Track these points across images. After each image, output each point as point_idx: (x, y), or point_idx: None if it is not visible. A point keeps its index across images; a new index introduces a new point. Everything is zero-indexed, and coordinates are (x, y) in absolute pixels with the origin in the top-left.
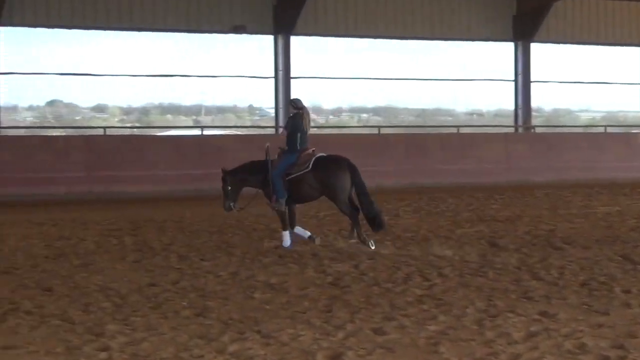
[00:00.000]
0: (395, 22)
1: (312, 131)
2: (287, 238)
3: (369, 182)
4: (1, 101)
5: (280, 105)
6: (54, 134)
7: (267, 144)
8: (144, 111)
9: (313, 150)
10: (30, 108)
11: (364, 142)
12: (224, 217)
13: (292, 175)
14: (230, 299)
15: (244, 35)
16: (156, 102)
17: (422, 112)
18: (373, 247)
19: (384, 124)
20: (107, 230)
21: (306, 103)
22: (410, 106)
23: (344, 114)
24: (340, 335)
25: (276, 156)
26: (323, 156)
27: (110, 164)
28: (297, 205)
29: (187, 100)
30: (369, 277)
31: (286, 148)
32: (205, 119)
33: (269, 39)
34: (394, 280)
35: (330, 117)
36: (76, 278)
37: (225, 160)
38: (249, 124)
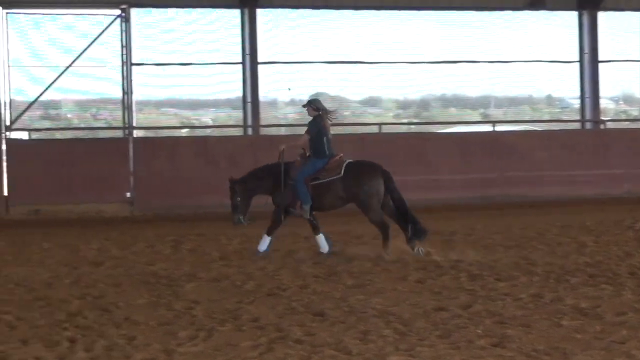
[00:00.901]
0: None
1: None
2: (266, 242)
3: None
4: (260, 95)
5: (587, 94)
6: None
7: (282, 147)
8: (423, 104)
9: (341, 157)
10: (292, 102)
11: None
12: (522, 229)
13: (320, 181)
14: (533, 327)
15: (542, 12)
16: (437, 93)
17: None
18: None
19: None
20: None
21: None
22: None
23: None
24: None
25: (297, 160)
26: (354, 162)
27: (385, 166)
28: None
29: (473, 91)
30: None
31: (308, 153)
32: (496, 113)
33: (572, 16)
34: None
35: None
36: (351, 301)
37: (521, 161)
38: (547, 117)
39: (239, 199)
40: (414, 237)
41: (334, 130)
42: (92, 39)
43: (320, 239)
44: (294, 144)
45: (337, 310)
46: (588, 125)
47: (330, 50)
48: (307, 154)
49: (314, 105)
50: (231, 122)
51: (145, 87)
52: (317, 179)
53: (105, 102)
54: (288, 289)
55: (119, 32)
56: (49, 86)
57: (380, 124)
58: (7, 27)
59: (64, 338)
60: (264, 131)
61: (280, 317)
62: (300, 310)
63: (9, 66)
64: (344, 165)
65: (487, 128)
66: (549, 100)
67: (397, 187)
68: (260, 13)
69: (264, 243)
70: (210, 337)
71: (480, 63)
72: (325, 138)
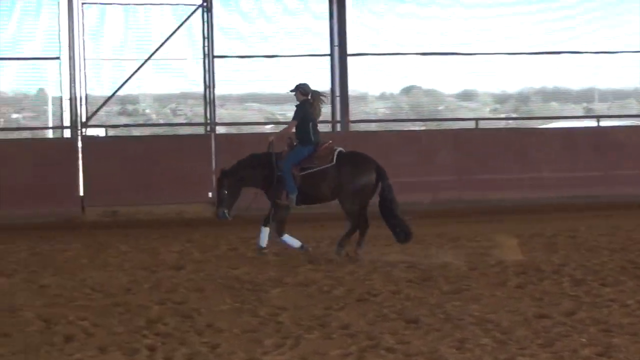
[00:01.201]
0: None
1: None
2: (265, 236)
3: None
4: (350, 90)
5: None
6: (413, 129)
7: (271, 138)
8: (522, 98)
9: (330, 143)
10: (383, 97)
11: None
12: (629, 232)
13: (310, 170)
14: None
15: None
16: (537, 86)
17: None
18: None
19: None
20: (482, 248)
21: None
22: None
23: None
24: None
25: (284, 149)
26: (347, 152)
27: (483, 164)
28: None
29: (576, 84)
30: None
31: (296, 141)
32: (600, 107)
33: None
34: None
35: None
36: (447, 307)
37: (629, 159)
38: None
39: (225, 192)
40: (404, 239)
41: (427, 126)
42: (172, 31)
43: (264, 232)
44: (283, 132)
45: (432, 317)
46: None
47: (423, 41)
48: (295, 143)
49: (302, 89)
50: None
51: (228, 81)
52: (307, 168)
53: (185, 96)
54: (379, 295)
55: (201, 23)
56: (126, 81)
57: (476, 119)
58: (82, 19)
59: (144, 346)
60: (354, 127)
61: (371, 324)
62: (392, 317)
63: (84, 59)
64: (336, 153)
65: (590, 123)
66: None
67: (391, 185)
68: (350, 2)
69: (264, 236)
70: (297, 346)
71: (584, 54)
72: (311, 124)
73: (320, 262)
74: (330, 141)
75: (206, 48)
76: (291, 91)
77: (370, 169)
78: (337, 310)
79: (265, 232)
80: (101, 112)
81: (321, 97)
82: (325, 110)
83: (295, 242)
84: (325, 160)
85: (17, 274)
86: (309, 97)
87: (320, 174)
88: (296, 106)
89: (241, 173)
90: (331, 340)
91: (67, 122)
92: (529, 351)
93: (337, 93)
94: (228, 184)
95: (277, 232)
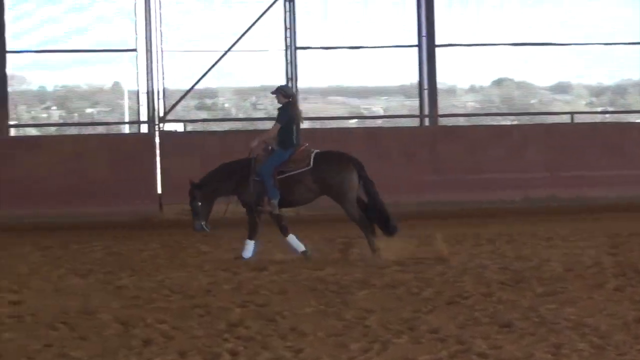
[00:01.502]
0: None
1: None
2: (250, 248)
3: None
4: (438, 82)
5: None
6: (504, 123)
7: (254, 143)
8: (620, 90)
9: (306, 146)
10: (472, 89)
11: None
12: None
13: (287, 174)
14: None
15: None
16: (635, 78)
17: None
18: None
19: None
20: (578, 247)
21: None
22: None
23: None
24: None
25: (260, 154)
26: (322, 152)
27: (578, 161)
28: None
29: None
30: None
31: (275, 145)
32: None
33: None
34: None
35: None
36: (541, 310)
37: None
38: None
39: (199, 204)
40: (390, 232)
41: (519, 120)
42: (253, 21)
43: (292, 239)
44: (266, 136)
45: (525, 321)
46: None
47: (514, 31)
48: (270, 148)
49: (283, 91)
50: (405, 112)
51: (310, 73)
52: (283, 172)
53: (266, 90)
54: (470, 297)
55: (282, 13)
56: (205, 74)
57: (572, 113)
58: (160, 10)
59: (225, 350)
60: (442, 121)
61: (461, 328)
62: (484, 321)
63: (162, 51)
64: (312, 155)
65: None
66: None
67: (370, 178)
68: None
69: (248, 249)
70: (385, 350)
71: None
72: (294, 127)
73: (407, 262)
74: (307, 144)
75: (288, 39)
76: (272, 93)
77: (348, 165)
78: (426, 313)
79: (251, 245)
80: (178, 107)
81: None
82: (413, 104)
83: (250, 250)
84: (302, 164)
85: (93, 275)
86: (291, 99)
87: (298, 177)
88: (279, 109)
89: (214, 185)
90: (420, 345)
91: (143, 116)
92: (629, 357)
93: (425, 86)
94: (201, 196)
95: (249, 236)
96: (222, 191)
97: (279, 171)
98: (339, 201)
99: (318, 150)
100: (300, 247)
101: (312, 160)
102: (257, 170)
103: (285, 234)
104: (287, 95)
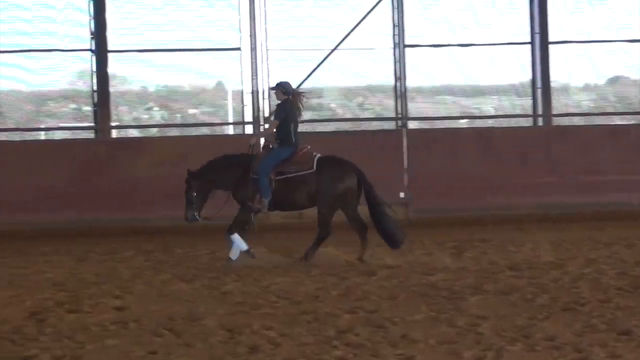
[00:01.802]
0: None
1: None
2: (240, 244)
3: None
4: (551, 80)
5: None
6: (619, 123)
7: (253, 141)
8: None
9: (308, 149)
10: (587, 88)
11: None
12: None
13: (287, 175)
14: None
15: None
16: None
17: None
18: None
19: None
20: None
21: None
22: None
23: None
24: None
25: (260, 151)
26: (325, 156)
27: None
28: None
29: None
30: None
31: (276, 143)
32: None
33: None
34: None
35: None
36: None
37: None
38: None
39: (194, 194)
40: (395, 245)
41: (636, 120)
42: (360, 19)
43: (236, 238)
44: (265, 133)
45: None
46: None
47: (630, 28)
48: (271, 146)
49: (282, 88)
50: (517, 111)
51: (419, 72)
52: (283, 172)
53: (373, 89)
54: (587, 304)
55: (390, 10)
56: (310, 73)
57: None
58: (264, 7)
59: (334, 357)
60: (556, 121)
61: (579, 336)
62: (602, 328)
63: (267, 50)
64: (316, 159)
65: None
66: None
67: (373, 187)
68: None
69: (239, 245)
70: (499, 358)
71: None
72: (292, 125)
73: (521, 267)
74: (308, 146)
75: (396, 37)
76: (271, 89)
77: (350, 173)
78: (542, 320)
79: (238, 239)
80: None
81: (302, 96)
82: (525, 103)
83: (240, 246)
84: (304, 166)
85: (198, 280)
86: (290, 96)
87: (299, 180)
88: (277, 105)
89: (212, 175)
90: (535, 353)
91: (248, 117)
92: None
93: (539, 84)
94: (197, 187)
95: (229, 229)
96: (219, 184)
97: (279, 172)
98: (322, 204)
99: (320, 155)
100: (243, 247)
101: (315, 163)
102: (254, 168)
103: (233, 233)
104: (286, 92)
